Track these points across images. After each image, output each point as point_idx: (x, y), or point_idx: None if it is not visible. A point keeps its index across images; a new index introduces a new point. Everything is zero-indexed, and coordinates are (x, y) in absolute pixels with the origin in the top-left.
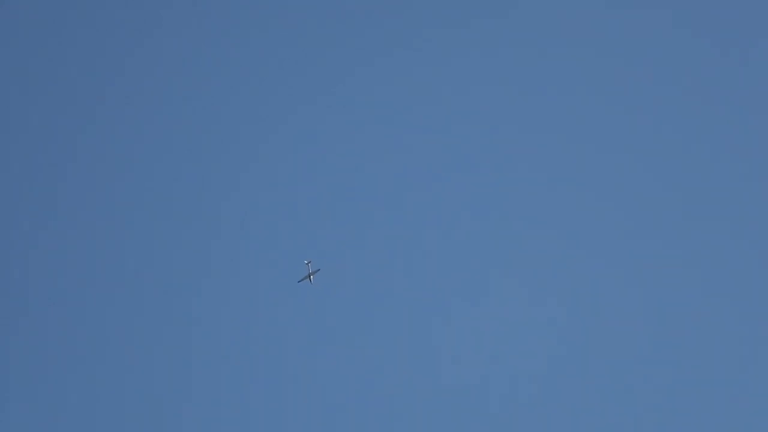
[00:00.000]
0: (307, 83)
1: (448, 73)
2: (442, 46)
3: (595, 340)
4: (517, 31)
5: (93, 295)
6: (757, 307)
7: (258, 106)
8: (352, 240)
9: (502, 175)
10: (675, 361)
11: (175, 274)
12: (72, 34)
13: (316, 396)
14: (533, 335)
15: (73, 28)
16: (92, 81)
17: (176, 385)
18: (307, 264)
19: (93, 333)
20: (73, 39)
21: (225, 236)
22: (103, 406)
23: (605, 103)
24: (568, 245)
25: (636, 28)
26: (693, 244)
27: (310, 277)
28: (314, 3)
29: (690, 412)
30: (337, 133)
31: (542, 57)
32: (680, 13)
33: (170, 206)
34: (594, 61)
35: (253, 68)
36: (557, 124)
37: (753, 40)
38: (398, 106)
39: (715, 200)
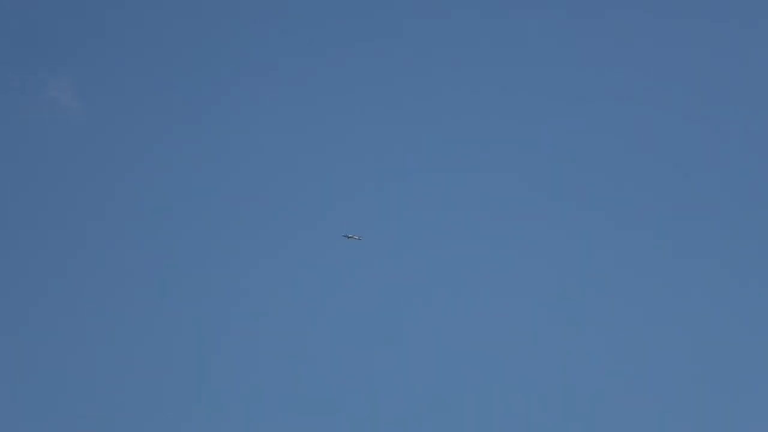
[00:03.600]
0: (308, 85)
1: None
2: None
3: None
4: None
5: (92, 294)
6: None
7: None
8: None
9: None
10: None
11: (173, 274)
12: (72, 32)
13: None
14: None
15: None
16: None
17: (175, 385)
18: (357, 237)
19: (93, 332)
20: (74, 38)
21: (224, 236)
22: (103, 406)
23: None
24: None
25: (633, 30)
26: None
27: (353, 237)
28: (316, 4)
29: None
30: (336, 133)
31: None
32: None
33: (170, 206)
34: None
35: (253, 68)
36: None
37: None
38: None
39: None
